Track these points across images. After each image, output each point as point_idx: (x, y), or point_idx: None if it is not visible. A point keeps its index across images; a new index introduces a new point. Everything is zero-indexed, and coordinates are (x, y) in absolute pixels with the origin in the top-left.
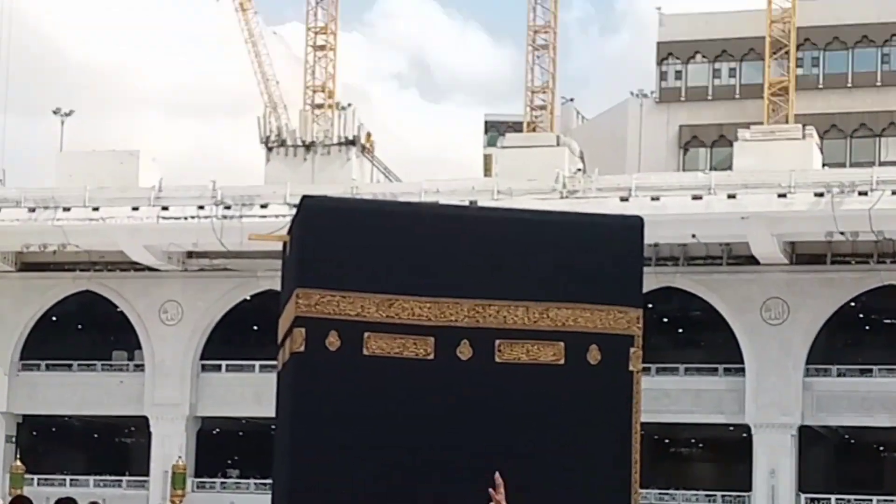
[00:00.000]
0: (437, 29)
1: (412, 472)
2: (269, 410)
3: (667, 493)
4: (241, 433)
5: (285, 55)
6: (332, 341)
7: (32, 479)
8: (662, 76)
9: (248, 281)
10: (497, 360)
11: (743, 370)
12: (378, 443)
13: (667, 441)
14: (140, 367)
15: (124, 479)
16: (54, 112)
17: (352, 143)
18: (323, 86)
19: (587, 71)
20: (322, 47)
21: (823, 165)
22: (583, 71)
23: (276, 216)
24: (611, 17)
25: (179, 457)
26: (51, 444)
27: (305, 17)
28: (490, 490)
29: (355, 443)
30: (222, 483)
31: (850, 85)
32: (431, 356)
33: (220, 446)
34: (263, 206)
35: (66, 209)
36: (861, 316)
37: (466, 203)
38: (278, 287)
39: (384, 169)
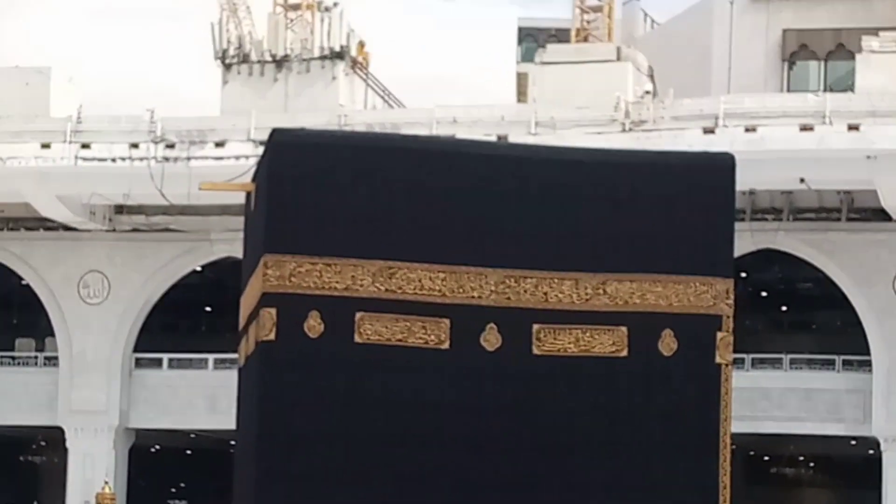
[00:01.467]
0: None
1: (420, 500)
2: (227, 421)
3: None
4: (188, 451)
5: None
6: (313, 325)
7: None
8: None
9: (198, 245)
10: (535, 351)
11: (869, 363)
12: (374, 464)
13: (766, 458)
14: (53, 361)
15: None
16: None
17: (339, 56)
18: None
19: None
20: None
21: None
22: None
23: (237, 157)
24: None
25: (106, 482)
26: None
27: None
28: None
29: (344, 465)
30: None
31: None
32: (446, 345)
33: (161, 469)
34: (219, 145)
35: None
36: None
37: (494, 139)
38: (239, 254)
39: (382, 91)
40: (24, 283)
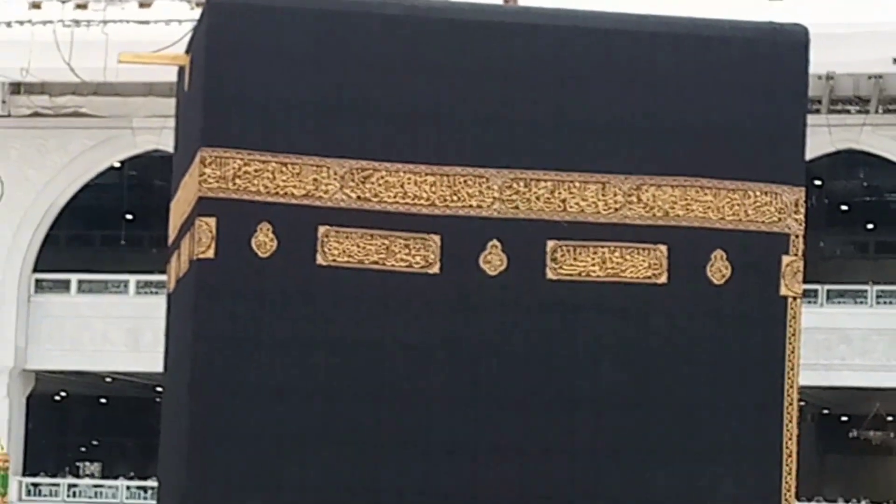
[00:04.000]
0: None
1: (399, 468)
2: (151, 361)
3: None
4: (103, 400)
5: None
6: (263, 241)
7: None
8: None
9: (116, 135)
10: (550, 275)
11: None
12: (340, 421)
13: (845, 419)
14: None
15: None
16: None
17: None
18: None
19: None
20: None
21: None
22: None
23: (167, 21)
24: None
25: None
26: None
27: None
28: None
29: (301, 420)
30: (71, 486)
31: None
32: (436, 269)
33: (68, 421)
34: (144, 5)
35: None
36: None
37: (498, 1)
38: (169, 147)
39: None
40: None
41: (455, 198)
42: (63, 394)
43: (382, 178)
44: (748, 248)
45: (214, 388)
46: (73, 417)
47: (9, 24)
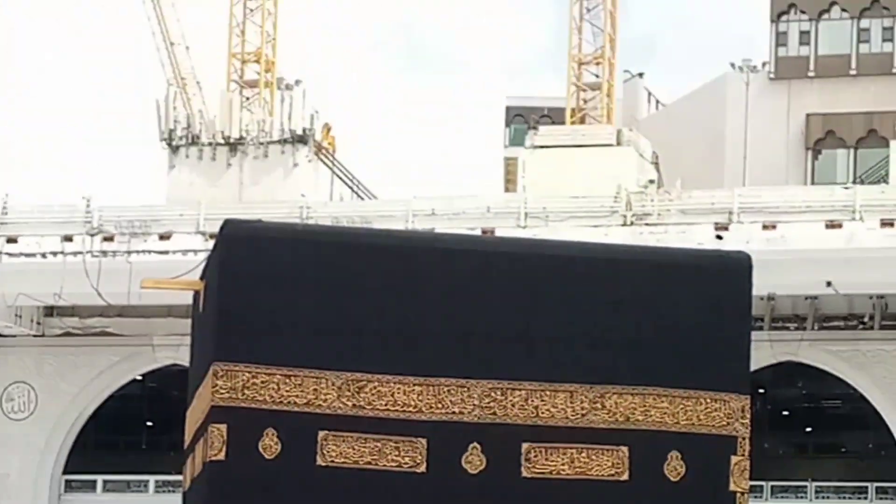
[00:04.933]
0: None
1: None
2: None
3: None
4: None
5: (201, 5)
6: (269, 445)
7: None
8: (780, 39)
9: (139, 352)
10: (525, 474)
11: None
12: None
13: None
14: None
15: None
16: None
17: (301, 140)
18: (257, 53)
19: (662, 31)
20: None
21: None
22: (656, 32)
23: (184, 252)
24: None
25: None
26: None
27: None
28: None
29: None
30: None
31: None
32: (422, 468)
33: None
34: (164, 237)
35: None
36: None
37: (478, 232)
38: (185, 361)
39: (351, 180)
40: None
41: (440, 405)
42: None
43: (375, 388)
44: (701, 449)
45: None
46: None
47: (44, 255)
